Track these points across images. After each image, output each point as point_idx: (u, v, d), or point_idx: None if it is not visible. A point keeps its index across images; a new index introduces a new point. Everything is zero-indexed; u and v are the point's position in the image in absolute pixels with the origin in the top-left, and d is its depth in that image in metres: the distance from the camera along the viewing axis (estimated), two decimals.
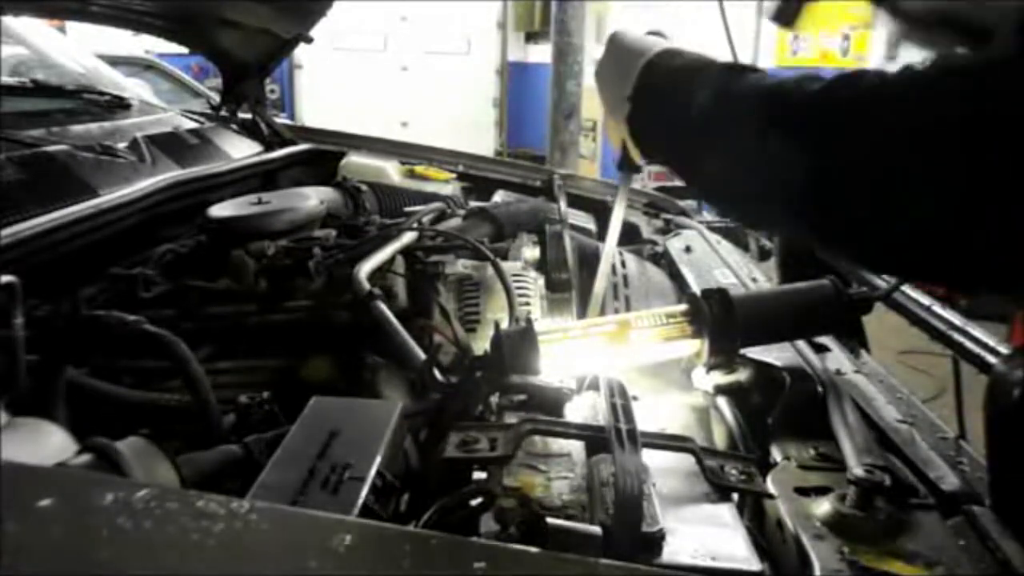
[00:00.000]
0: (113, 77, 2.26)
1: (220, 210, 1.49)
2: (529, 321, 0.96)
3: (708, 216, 2.44)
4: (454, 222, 1.63)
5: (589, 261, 1.52)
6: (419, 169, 2.34)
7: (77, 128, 1.67)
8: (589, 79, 10.73)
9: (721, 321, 0.96)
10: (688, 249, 1.70)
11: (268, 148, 2.31)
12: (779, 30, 7.99)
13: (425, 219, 1.60)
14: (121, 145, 1.63)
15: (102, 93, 1.92)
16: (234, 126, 2.34)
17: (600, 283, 1.17)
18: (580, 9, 6.05)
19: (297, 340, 1.26)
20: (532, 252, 1.53)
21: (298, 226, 1.48)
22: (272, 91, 10.30)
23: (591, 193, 2.38)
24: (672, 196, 2.49)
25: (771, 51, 8.00)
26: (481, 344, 1.11)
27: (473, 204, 1.89)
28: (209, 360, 1.18)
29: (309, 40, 2.35)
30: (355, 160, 2.31)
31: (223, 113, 2.42)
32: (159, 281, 1.33)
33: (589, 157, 10.72)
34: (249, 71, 2.36)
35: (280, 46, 2.36)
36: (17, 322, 0.83)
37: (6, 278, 0.83)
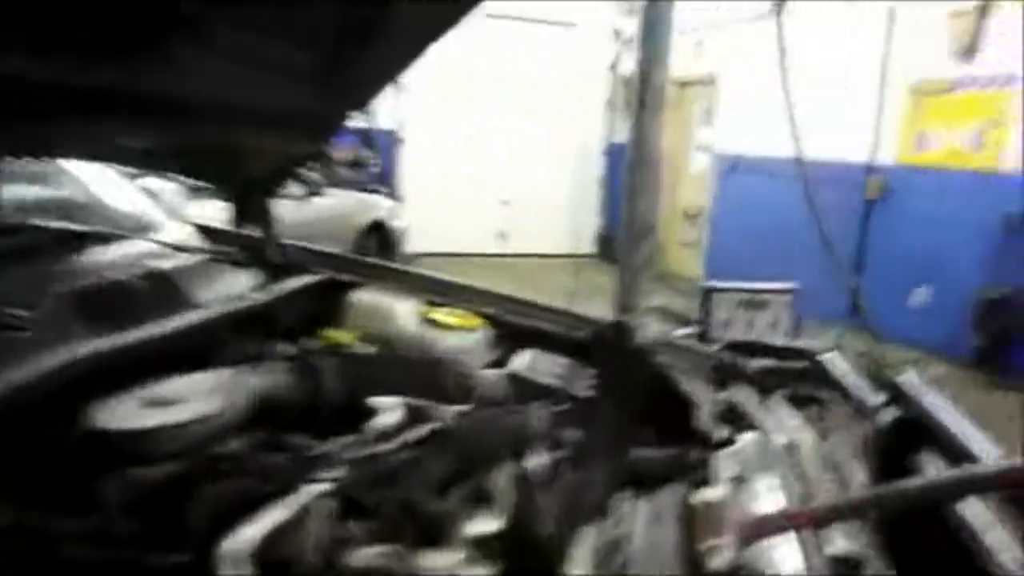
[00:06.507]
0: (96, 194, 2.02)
1: (103, 414, 1.16)
2: None
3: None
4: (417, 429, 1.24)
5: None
6: (439, 314, 1.99)
7: None
8: (679, 181, 10.23)
9: None
10: (738, 481, 1.25)
11: (275, 277, 2.02)
12: (902, 122, 7.37)
13: (368, 440, 1.19)
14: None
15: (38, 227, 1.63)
16: (237, 252, 2.07)
17: None
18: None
19: None
20: (487, 525, 1.11)
21: (202, 441, 1.14)
22: (375, 164, 10.37)
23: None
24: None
25: (892, 145, 7.36)
26: None
27: (431, 427, 1.33)
28: None
29: (324, 158, 2.08)
30: (364, 299, 1.99)
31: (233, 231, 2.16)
32: None
33: (692, 244, 10.23)
34: (256, 189, 2.10)
35: (291, 165, 2.09)
36: None
37: None
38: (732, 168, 9.04)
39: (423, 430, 1.25)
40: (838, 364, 1.86)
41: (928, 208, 6.84)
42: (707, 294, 3.91)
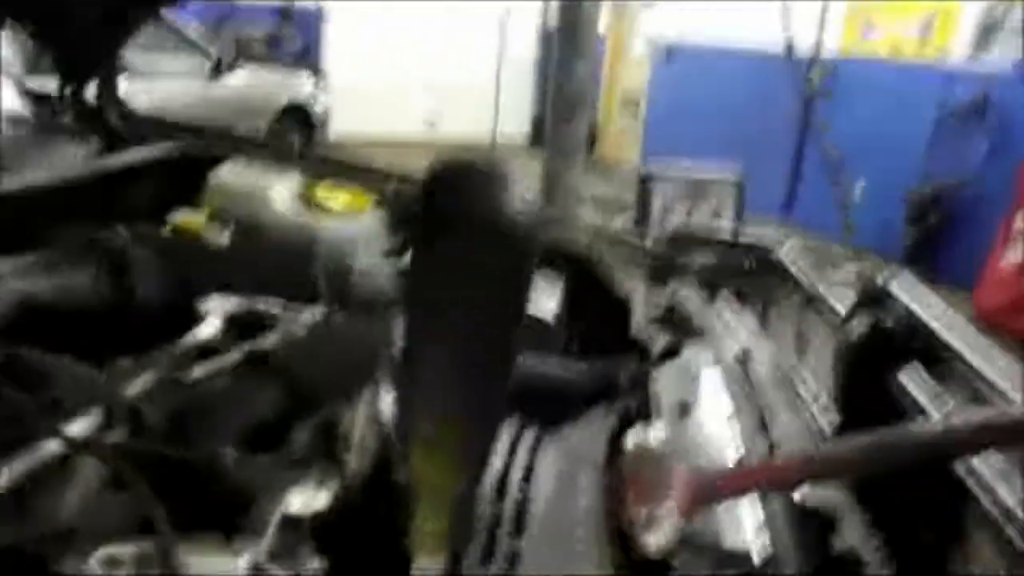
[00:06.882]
0: None
1: None
2: None
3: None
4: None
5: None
6: (324, 192, 1.63)
7: None
8: (620, 66, 9.77)
9: None
10: (684, 411, 0.95)
11: (110, 148, 1.62)
12: (847, 13, 6.98)
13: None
14: None
15: None
16: (67, 119, 1.65)
17: None
18: None
19: None
20: (311, 500, 0.77)
21: None
22: (295, 41, 9.58)
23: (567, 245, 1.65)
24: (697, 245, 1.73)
25: (838, 35, 7.02)
26: None
27: (255, 347, 0.95)
28: None
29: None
30: (228, 176, 1.60)
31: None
32: None
33: (631, 132, 9.84)
34: (92, 41, 1.65)
35: (135, 10, 1.64)
36: None
37: None
38: (670, 54, 8.64)
39: (246, 349, 0.90)
40: (797, 259, 1.59)
41: (869, 101, 6.58)
42: (645, 180, 3.56)
